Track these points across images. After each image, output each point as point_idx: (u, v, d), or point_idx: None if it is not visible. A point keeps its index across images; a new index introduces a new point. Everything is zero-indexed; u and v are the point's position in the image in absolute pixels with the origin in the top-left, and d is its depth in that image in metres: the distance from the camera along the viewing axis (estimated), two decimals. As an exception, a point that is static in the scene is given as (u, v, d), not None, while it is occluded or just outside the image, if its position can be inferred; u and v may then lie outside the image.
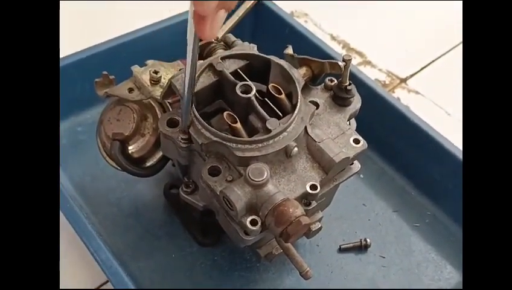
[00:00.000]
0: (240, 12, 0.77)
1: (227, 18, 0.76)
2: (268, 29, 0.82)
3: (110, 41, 0.73)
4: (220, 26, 0.38)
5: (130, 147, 0.58)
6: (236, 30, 0.70)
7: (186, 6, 0.38)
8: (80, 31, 0.83)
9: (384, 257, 0.66)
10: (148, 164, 0.60)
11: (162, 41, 0.66)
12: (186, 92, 0.46)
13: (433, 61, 0.92)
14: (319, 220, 0.57)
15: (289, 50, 0.55)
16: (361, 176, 0.73)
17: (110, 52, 0.72)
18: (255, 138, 0.48)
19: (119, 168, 0.59)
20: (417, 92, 0.87)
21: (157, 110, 0.58)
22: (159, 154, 0.59)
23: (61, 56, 0.71)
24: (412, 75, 0.90)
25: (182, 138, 0.50)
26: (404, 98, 0.85)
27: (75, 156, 0.72)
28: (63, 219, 0.58)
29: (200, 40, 0.58)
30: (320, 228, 0.57)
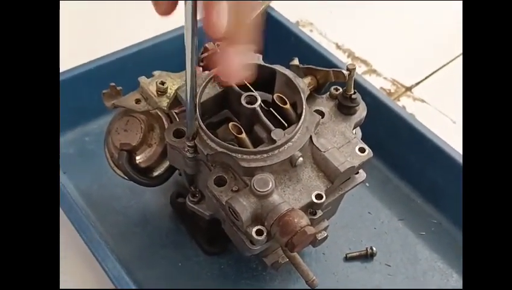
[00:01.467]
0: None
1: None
2: (274, 38, 0.82)
3: (117, 52, 0.74)
4: (224, 21, 0.38)
5: (137, 157, 0.59)
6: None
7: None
8: (87, 42, 0.84)
9: (390, 266, 0.66)
10: (155, 174, 0.60)
11: (169, 52, 0.67)
12: (188, 99, 0.47)
13: (438, 69, 0.92)
14: (325, 229, 0.57)
15: (295, 61, 0.56)
16: (367, 184, 0.73)
17: (117, 63, 0.73)
18: (260, 148, 0.49)
19: (126, 177, 0.59)
20: (422, 101, 0.87)
21: (164, 121, 0.58)
22: (166, 164, 0.59)
23: (69, 67, 0.72)
24: (417, 84, 0.90)
25: (188, 147, 0.51)
26: (409, 107, 0.85)
27: (82, 165, 0.73)
28: (70, 227, 0.58)
29: (203, 51, 0.59)
30: (326, 237, 0.57)
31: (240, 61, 0.41)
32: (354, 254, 0.67)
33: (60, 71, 0.71)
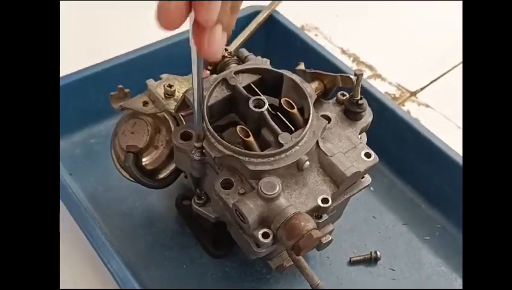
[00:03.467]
0: (252, 26, 0.78)
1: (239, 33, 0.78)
2: (280, 43, 0.83)
3: (125, 54, 0.75)
4: (221, 45, 0.37)
5: (143, 159, 0.59)
6: (249, 44, 0.71)
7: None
8: (95, 44, 0.85)
9: (394, 270, 0.67)
10: (161, 176, 0.60)
11: (177, 55, 0.68)
12: (195, 103, 0.47)
13: (443, 74, 0.92)
14: (330, 233, 0.57)
15: (301, 66, 0.56)
16: (372, 188, 0.73)
17: (125, 65, 0.74)
18: (267, 151, 0.49)
19: (132, 179, 0.59)
20: (427, 105, 0.87)
21: (171, 123, 0.59)
22: (172, 167, 0.60)
23: (77, 69, 0.73)
24: (422, 88, 0.90)
25: (195, 149, 0.51)
26: (414, 111, 0.86)
27: (88, 166, 0.73)
28: (75, 227, 0.59)
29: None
30: (331, 241, 0.57)
31: (222, 41, 0.38)
32: (359, 258, 0.67)
33: (68, 73, 0.72)
